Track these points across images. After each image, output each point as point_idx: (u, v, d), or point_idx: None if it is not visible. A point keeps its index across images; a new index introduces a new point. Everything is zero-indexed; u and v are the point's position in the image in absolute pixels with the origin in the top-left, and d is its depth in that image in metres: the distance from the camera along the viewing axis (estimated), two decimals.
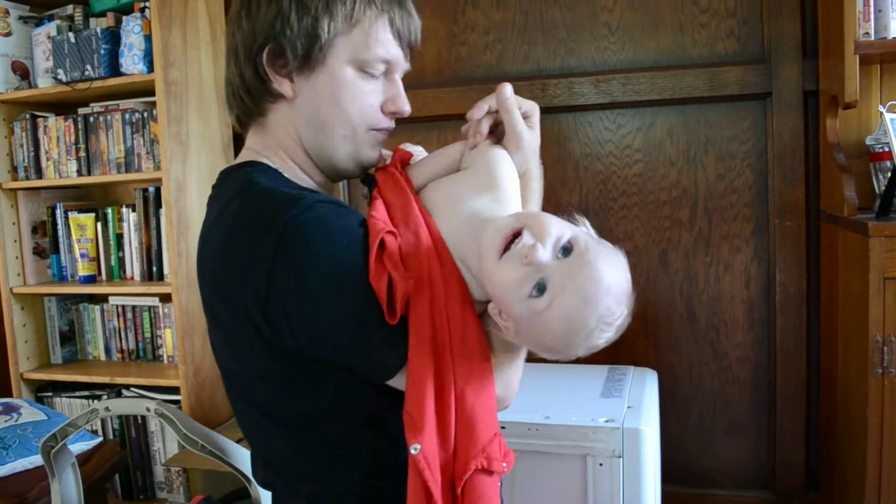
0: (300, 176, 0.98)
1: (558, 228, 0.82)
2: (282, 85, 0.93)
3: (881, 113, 1.89)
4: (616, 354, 2.30)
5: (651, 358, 2.34)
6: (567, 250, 0.80)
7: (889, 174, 1.86)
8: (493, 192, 0.90)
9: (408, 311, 0.82)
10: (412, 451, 0.78)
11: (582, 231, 0.85)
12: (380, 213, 0.88)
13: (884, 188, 1.87)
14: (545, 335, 0.81)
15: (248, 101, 0.96)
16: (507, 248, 0.82)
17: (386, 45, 0.93)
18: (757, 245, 2.26)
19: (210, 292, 0.92)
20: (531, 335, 0.83)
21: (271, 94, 0.95)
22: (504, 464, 0.83)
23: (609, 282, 0.79)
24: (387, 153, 1.03)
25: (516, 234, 0.82)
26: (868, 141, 2.03)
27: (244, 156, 1.00)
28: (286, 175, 0.95)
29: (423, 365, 0.81)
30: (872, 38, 1.85)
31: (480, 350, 0.85)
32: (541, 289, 0.79)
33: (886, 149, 1.93)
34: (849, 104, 1.86)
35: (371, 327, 0.83)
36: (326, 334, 0.83)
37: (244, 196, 0.88)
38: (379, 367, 0.85)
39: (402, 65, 0.97)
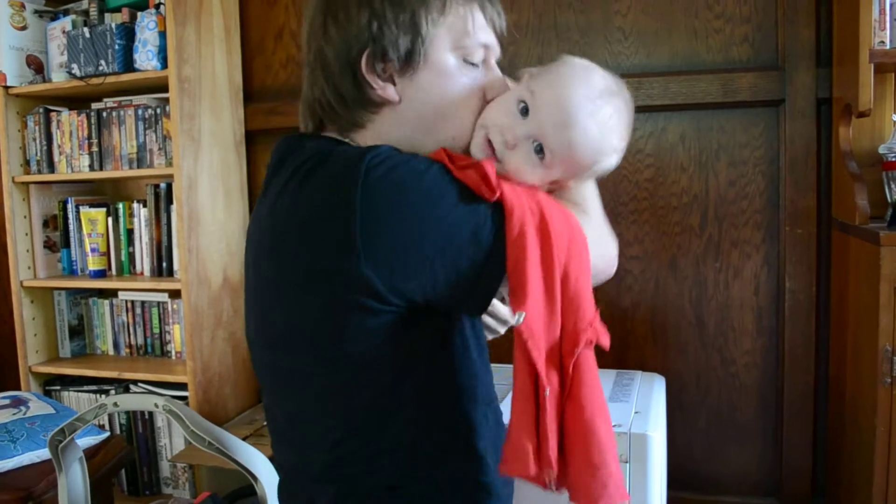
0: None
1: (503, 104, 0.90)
2: (385, 90, 0.89)
3: (894, 122, 1.88)
4: (624, 359, 2.30)
5: (659, 363, 2.33)
6: (525, 109, 0.88)
7: None
8: None
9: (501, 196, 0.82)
10: (515, 321, 0.79)
11: (517, 87, 0.92)
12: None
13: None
14: (578, 161, 0.89)
15: (345, 113, 0.91)
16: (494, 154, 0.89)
17: (484, 29, 0.92)
18: (767, 252, 2.25)
19: (280, 256, 0.86)
20: (576, 174, 0.92)
21: (373, 104, 0.90)
22: (606, 340, 0.86)
23: (569, 93, 0.87)
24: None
25: (490, 141, 0.89)
26: (881, 150, 2.02)
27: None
28: None
29: (526, 239, 0.81)
30: (888, 47, 1.84)
31: (574, 225, 0.86)
32: (539, 150, 0.88)
33: None
34: (862, 112, 1.85)
35: (477, 224, 0.81)
36: (427, 255, 0.80)
37: (318, 157, 0.85)
38: (485, 260, 0.82)
39: (497, 49, 0.96)
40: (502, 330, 1.16)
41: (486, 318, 1.13)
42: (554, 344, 0.83)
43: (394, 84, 0.89)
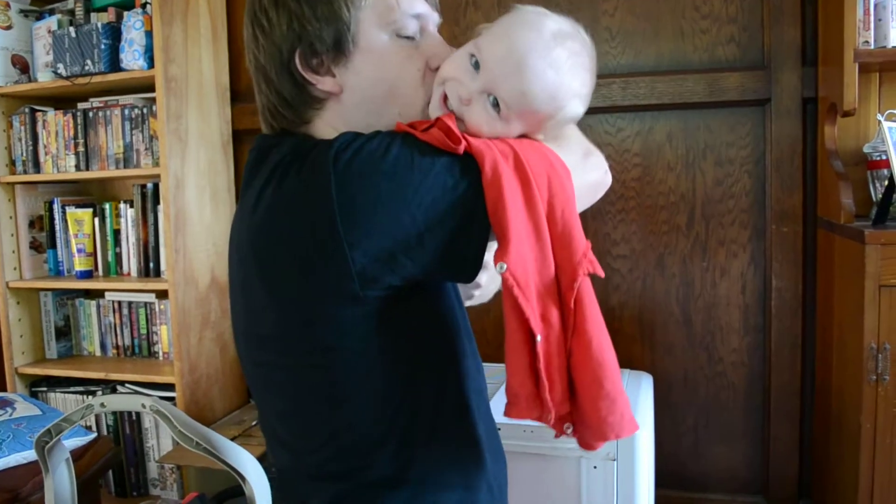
0: None
1: (456, 59, 0.88)
2: (325, 83, 0.89)
3: (879, 121, 1.89)
4: None
5: (646, 362, 2.34)
6: (476, 63, 0.86)
7: (886, 182, 1.87)
8: None
9: (469, 148, 0.81)
10: (499, 270, 0.78)
11: (471, 41, 0.89)
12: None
13: (880, 196, 1.88)
14: (538, 110, 0.86)
15: (291, 114, 0.92)
16: (451, 110, 0.87)
17: (409, 1, 0.89)
18: (754, 251, 2.26)
19: (264, 255, 0.85)
20: (537, 123, 0.88)
21: (317, 100, 0.91)
22: (600, 269, 0.85)
23: (515, 43, 0.84)
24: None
25: (446, 97, 0.88)
26: (866, 149, 2.04)
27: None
28: None
29: (501, 181, 0.79)
30: (872, 47, 1.86)
31: (552, 158, 0.85)
32: (495, 104, 0.85)
33: (884, 157, 1.93)
34: (847, 112, 1.86)
35: (449, 180, 0.80)
36: (411, 229, 0.79)
37: (293, 153, 0.85)
38: (467, 214, 0.81)
39: (433, 16, 0.94)
40: (482, 293, 1.15)
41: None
42: (550, 282, 0.82)
43: (333, 76, 0.89)
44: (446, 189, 0.79)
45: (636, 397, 1.90)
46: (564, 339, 0.82)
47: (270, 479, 1.42)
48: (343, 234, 0.77)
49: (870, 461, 1.73)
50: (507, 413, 0.83)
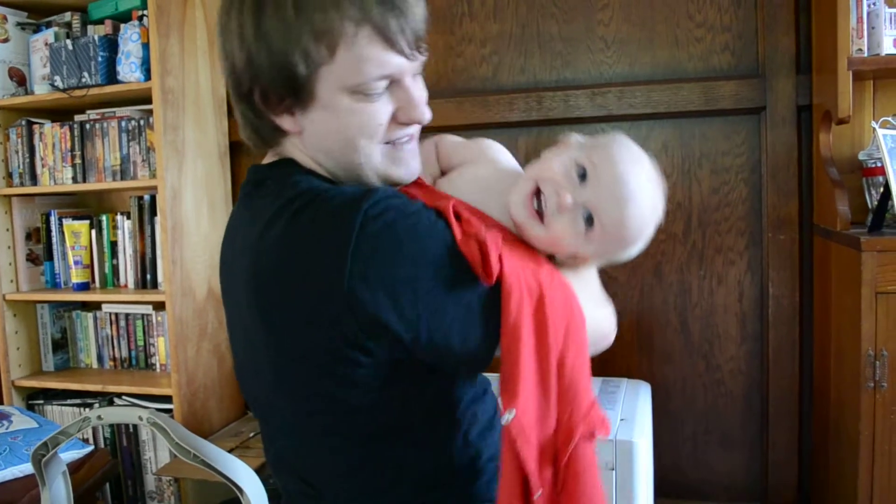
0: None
1: (562, 164, 0.86)
2: (283, 121, 0.86)
3: (874, 129, 1.90)
4: (609, 367, 2.30)
5: (644, 370, 2.34)
6: (583, 174, 0.84)
7: (881, 189, 1.87)
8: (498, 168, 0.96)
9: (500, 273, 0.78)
10: (504, 420, 0.75)
11: (580, 146, 0.89)
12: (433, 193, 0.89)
13: (876, 203, 1.88)
14: (619, 242, 0.86)
15: (257, 139, 0.91)
16: (538, 210, 0.85)
17: (378, 61, 0.81)
18: (751, 258, 2.27)
19: (266, 299, 0.83)
20: (608, 254, 0.89)
21: (279, 131, 0.88)
22: (603, 431, 0.82)
23: (632, 172, 0.84)
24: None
25: (536, 193, 0.85)
26: (861, 156, 2.04)
27: (273, 157, 0.94)
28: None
29: (521, 330, 0.77)
30: (866, 55, 1.86)
31: (574, 305, 0.83)
32: (589, 220, 0.84)
33: (879, 164, 1.93)
34: (842, 119, 1.87)
35: (470, 302, 0.78)
36: (423, 317, 0.77)
37: (308, 195, 0.81)
38: (477, 343, 0.79)
39: (409, 68, 0.85)
40: None
41: None
42: (549, 437, 0.79)
43: (292, 115, 0.86)
44: (459, 303, 0.78)
45: (634, 406, 1.90)
46: (553, 498, 0.80)
47: (268, 491, 1.42)
48: (348, 298, 0.76)
49: (868, 467, 1.73)
50: None
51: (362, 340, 0.78)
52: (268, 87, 0.83)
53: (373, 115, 0.84)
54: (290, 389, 0.87)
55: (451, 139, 1.01)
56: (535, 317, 0.78)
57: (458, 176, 0.97)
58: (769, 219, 2.20)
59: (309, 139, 0.87)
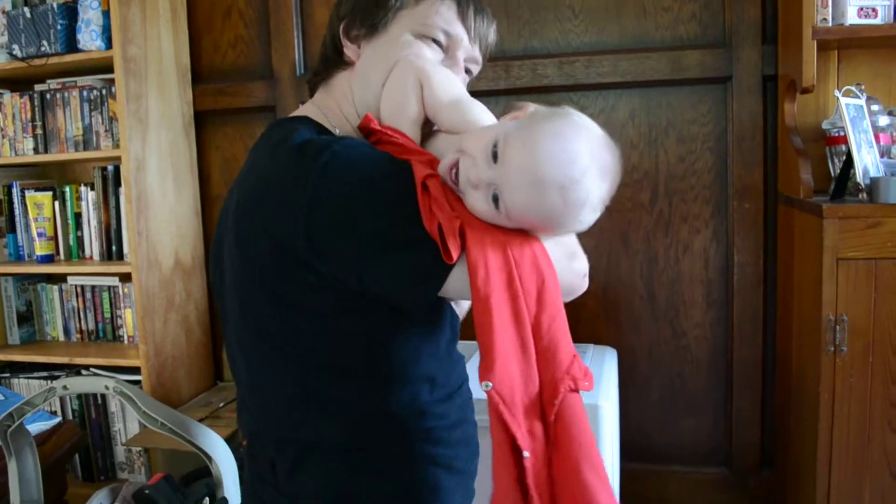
0: (350, 132, 1.01)
1: (481, 140, 0.83)
2: (349, 49, 1.02)
3: (837, 98, 1.92)
4: (576, 333, 2.31)
5: (612, 337, 2.37)
6: (496, 154, 0.80)
7: (844, 158, 1.90)
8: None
9: (464, 247, 0.80)
10: (483, 388, 0.78)
11: (507, 125, 0.84)
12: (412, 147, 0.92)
13: (838, 171, 1.91)
14: (533, 224, 0.83)
15: (321, 66, 1.07)
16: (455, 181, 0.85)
17: (447, 18, 0.98)
18: (716, 227, 2.30)
19: (241, 222, 0.91)
20: (536, 231, 0.85)
21: (343, 62, 1.03)
22: (587, 382, 0.84)
23: (540, 159, 0.78)
24: None
25: (456, 165, 0.85)
26: (824, 125, 2.07)
27: (303, 109, 1.06)
28: (337, 132, 1.00)
29: (491, 299, 0.79)
30: (830, 24, 1.88)
31: (544, 265, 0.83)
32: (496, 199, 0.81)
33: (842, 133, 1.96)
34: (806, 89, 1.89)
35: (416, 263, 0.81)
36: (364, 265, 0.82)
37: (288, 141, 0.89)
38: (417, 288, 0.83)
39: (467, 46, 1.01)
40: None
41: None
42: (535, 397, 0.82)
43: (358, 47, 1.02)
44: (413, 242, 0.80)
45: (600, 371, 1.93)
46: (545, 452, 0.82)
47: (237, 459, 1.42)
48: (304, 227, 0.82)
49: (828, 430, 1.78)
50: None
51: (315, 267, 0.83)
52: (357, 15, 1.01)
53: (421, 52, 0.98)
54: (250, 314, 0.94)
55: (438, 91, 0.97)
56: (507, 289, 0.80)
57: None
58: (734, 187, 2.23)
59: (358, 69, 1.02)
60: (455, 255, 0.78)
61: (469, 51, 1.02)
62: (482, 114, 0.95)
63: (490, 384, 0.78)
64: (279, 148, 0.89)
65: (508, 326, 0.80)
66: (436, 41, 0.99)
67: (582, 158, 0.79)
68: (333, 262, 0.83)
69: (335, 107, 1.04)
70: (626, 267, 2.36)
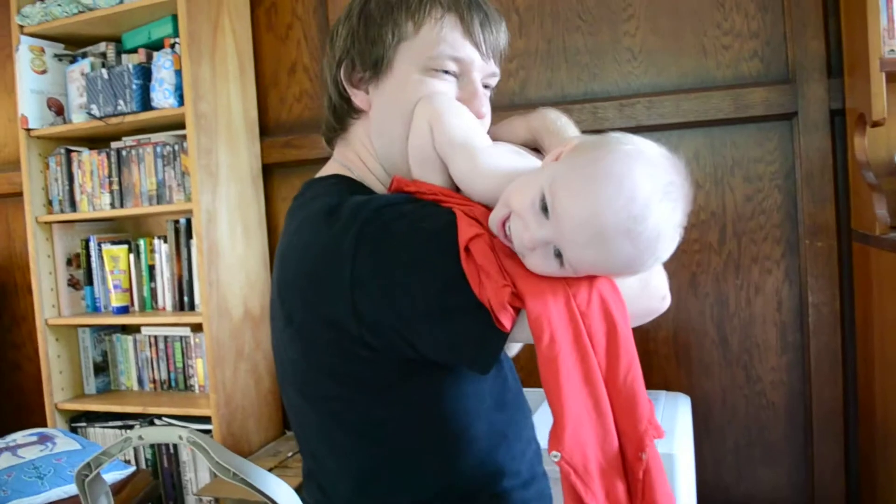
0: (379, 188, 0.98)
1: (526, 194, 0.76)
2: (357, 97, 0.97)
3: None
4: (647, 379, 2.27)
5: (683, 383, 2.31)
6: (545, 207, 0.74)
7: None
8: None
9: (523, 302, 0.75)
10: (553, 459, 0.74)
11: (550, 170, 0.76)
12: (458, 203, 0.85)
13: None
14: (606, 274, 0.78)
15: (333, 119, 1.02)
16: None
17: (453, 43, 0.91)
18: (788, 267, 2.23)
19: (291, 302, 0.89)
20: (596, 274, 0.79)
21: (354, 110, 0.99)
22: (662, 429, 0.80)
23: (595, 213, 0.71)
24: None
25: (507, 219, 0.78)
26: None
27: (328, 168, 1.02)
28: (366, 185, 0.97)
29: (558, 361, 0.74)
30: None
31: (613, 309, 0.78)
32: (558, 255, 0.74)
33: None
34: (877, 122, 1.84)
35: (459, 308, 0.77)
36: (415, 317, 0.78)
37: (319, 210, 0.87)
38: (478, 353, 0.79)
39: (480, 65, 0.94)
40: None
41: None
42: (613, 456, 0.77)
43: (367, 93, 0.97)
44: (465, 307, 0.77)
45: (674, 419, 1.88)
46: None
47: None
48: (351, 297, 0.80)
49: None
50: None
51: (366, 337, 0.81)
52: (355, 56, 0.95)
53: (433, 89, 0.92)
54: (307, 390, 0.92)
55: (448, 135, 0.90)
56: (574, 347, 0.75)
57: None
58: (805, 226, 2.17)
59: (375, 115, 0.96)
60: (508, 325, 0.74)
61: (484, 68, 0.95)
62: (492, 157, 0.87)
63: (559, 454, 0.74)
64: (310, 219, 0.87)
65: (578, 387, 0.75)
66: (447, 72, 0.93)
67: (641, 190, 0.70)
68: (384, 338, 0.80)
69: (358, 161, 0.99)
70: (696, 310, 2.31)
